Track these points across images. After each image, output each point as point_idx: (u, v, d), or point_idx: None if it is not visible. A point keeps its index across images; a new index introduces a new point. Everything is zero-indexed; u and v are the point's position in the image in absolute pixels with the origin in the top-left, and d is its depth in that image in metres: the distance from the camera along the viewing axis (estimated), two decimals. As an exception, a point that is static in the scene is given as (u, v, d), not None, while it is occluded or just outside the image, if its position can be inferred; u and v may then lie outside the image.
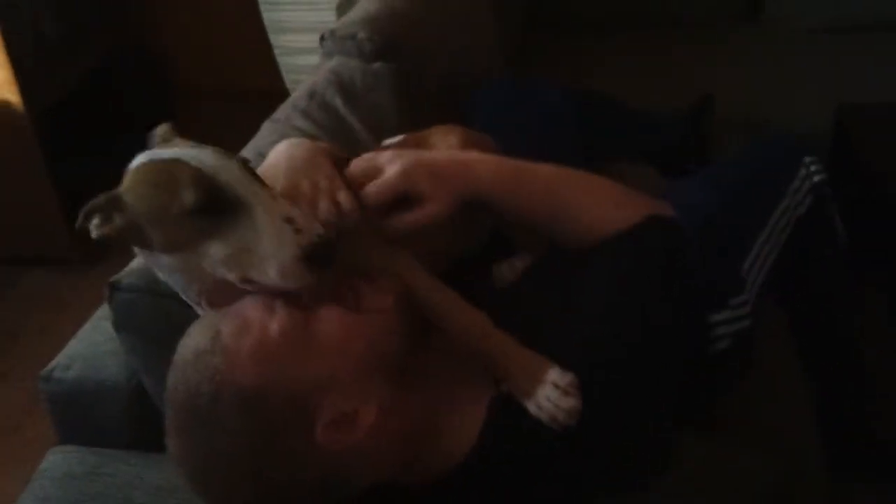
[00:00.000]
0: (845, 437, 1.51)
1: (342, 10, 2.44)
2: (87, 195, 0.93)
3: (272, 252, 0.88)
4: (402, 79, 1.77)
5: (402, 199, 1.07)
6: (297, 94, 1.74)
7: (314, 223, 0.91)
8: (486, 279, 1.25)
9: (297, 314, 0.94)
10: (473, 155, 1.17)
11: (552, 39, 2.64)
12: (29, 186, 2.78)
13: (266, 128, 1.63)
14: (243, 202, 0.89)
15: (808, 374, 1.45)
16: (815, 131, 2.11)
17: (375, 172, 1.08)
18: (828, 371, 1.49)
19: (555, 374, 0.96)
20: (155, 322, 1.20)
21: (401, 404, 0.97)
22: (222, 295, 0.96)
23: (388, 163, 1.08)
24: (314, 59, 1.96)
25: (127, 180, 0.93)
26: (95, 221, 0.92)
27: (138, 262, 1.24)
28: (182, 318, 1.00)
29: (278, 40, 2.91)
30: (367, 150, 1.26)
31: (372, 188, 1.07)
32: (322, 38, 1.87)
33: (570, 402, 0.95)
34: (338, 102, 1.68)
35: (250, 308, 0.93)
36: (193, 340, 0.94)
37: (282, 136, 1.39)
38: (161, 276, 0.99)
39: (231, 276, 0.92)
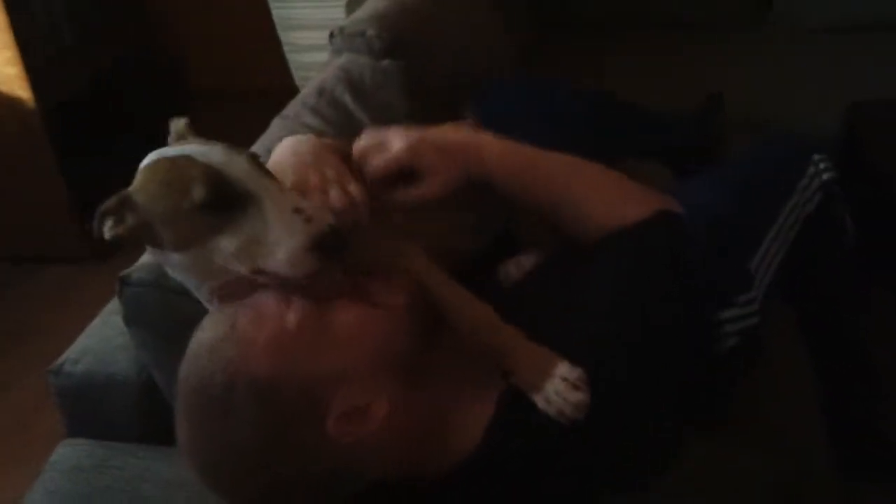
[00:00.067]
0: (855, 437, 1.51)
1: (351, 7, 2.44)
2: (96, 193, 0.93)
3: (282, 242, 0.89)
4: (410, 76, 1.77)
5: (407, 174, 1.09)
6: (307, 90, 1.74)
7: (325, 213, 0.91)
8: (493, 278, 1.25)
9: (313, 307, 0.94)
10: (483, 136, 1.18)
11: (557, 39, 2.64)
12: (39, 184, 2.79)
13: (276, 124, 1.63)
14: (253, 195, 0.89)
15: (817, 373, 1.45)
16: (823, 131, 2.10)
17: (382, 147, 1.09)
18: (837, 371, 1.48)
19: (564, 369, 0.96)
20: (165, 316, 1.21)
21: (411, 402, 0.98)
22: (234, 292, 0.97)
23: (396, 138, 1.09)
24: (323, 56, 1.96)
25: (138, 179, 0.93)
26: (109, 223, 0.92)
27: (148, 257, 1.25)
28: (192, 312, 1.01)
29: (288, 37, 2.91)
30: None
31: (378, 160, 1.08)
32: (331, 35, 1.87)
33: (578, 397, 0.95)
34: (347, 99, 1.68)
35: (267, 300, 0.94)
36: (208, 331, 0.95)
37: (291, 133, 1.40)
38: (173, 274, 1.00)
39: (242, 269, 0.92)
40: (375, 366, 0.95)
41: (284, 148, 1.13)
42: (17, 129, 2.71)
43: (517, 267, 1.26)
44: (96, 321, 1.43)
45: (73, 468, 1.20)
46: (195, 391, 0.93)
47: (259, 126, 1.62)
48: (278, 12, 2.88)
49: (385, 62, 1.77)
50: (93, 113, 3.24)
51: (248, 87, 3.44)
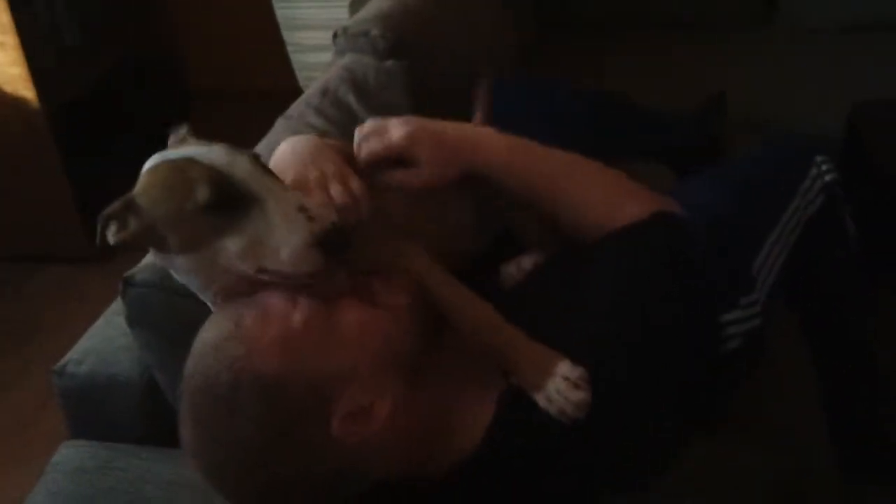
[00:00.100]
0: (858, 438, 1.50)
1: (355, 7, 2.45)
2: (100, 193, 0.93)
3: (286, 240, 0.89)
4: (414, 76, 1.77)
5: (402, 161, 1.10)
6: (311, 91, 1.74)
7: (328, 211, 0.92)
8: (493, 278, 1.26)
9: (319, 307, 0.94)
10: (485, 131, 1.18)
11: (557, 39, 2.64)
12: (43, 184, 2.80)
13: (279, 125, 1.63)
14: (256, 195, 0.89)
15: (820, 374, 1.44)
16: (825, 132, 2.10)
17: (381, 132, 1.11)
18: (840, 373, 1.48)
19: (565, 368, 0.96)
20: (168, 317, 1.21)
21: (414, 401, 0.98)
22: (239, 292, 0.97)
23: (397, 125, 1.11)
24: (327, 57, 1.97)
25: (140, 183, 0.93)
26: (112, 228, 0.92)
27: (152, 257, 1.25)
28: (196, 313, 1.01)
29: (292, 37, 2.91)
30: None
31: (372, 142, 1.09)
32: (335, 36, 1.87)
33: (579, 395, 0.95)
34: (351, 99, 1.68)
35: (273, 299, 0.94)
36: (213, 330, 0.95)
37: (295, 134, 1.40)
38: (177, 276, 1.00)
39: (247, 269, 0.92)
40: (379, 365, 0.95)
41: (284, 148, 1.14)
42: (22, 130, 2.71)
43: (518, 268, 1.26)
44: (99, 322, 1.44)
45: (75, 469, 1.21)
46: (200, 390, 0.93)
47: (261, 126, 1.62)
48: (282, 12, 2.89)
49: (389, 62, 1.77)
50: (96, 113, 3.25)
51: (251, 87, 3.45)
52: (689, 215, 1.19)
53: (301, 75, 2.95)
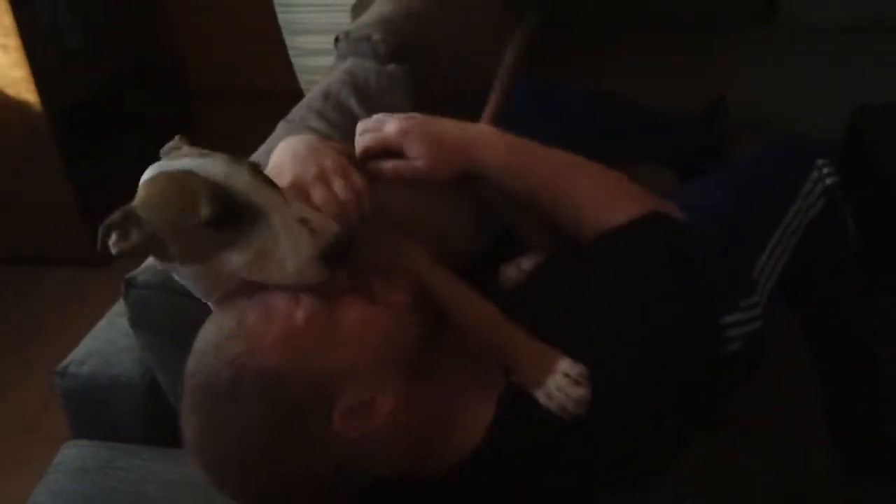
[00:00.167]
0: (857, 438, 1.51)
1: (357, 11, 2.45)
2: (102, 195, 0.93)
3: (289, 254, 0.90)
4: (416, 80, 1.77)
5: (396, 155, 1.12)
6: (312, 94, 1.75)
7: (329, 222, 0.92)
8: (493, 279, 1.26)
9: (321, 304, 0.95)
10: (485, 130, 1.19)
11: (557, 39, 2.64)
12: (45, 186, 2.80)
13: (281, 128, 1.64)
14: (258, 209, 0.90)
15: (821, 376, 1.45)
16: (826, 133, 2.10)
17: (379, 127, 1.14)
18: (841, 374, 1.48)
19: (565, 365, 0.97)
20: (170, 319, 1.21)
21: (414, 399, 0.98)
22: (241, 295, 0.97)
23: (394, 120, 1.13)
24: (329, 61, 1.97)
25: (140, 194, 0.93)
26: (113, 238, 0.93)
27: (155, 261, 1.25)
28: (197, 314, 1.01)
29: (293, 42, 2.92)
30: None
31: (368, 135, 1.12)
32: (337, 40, 1.88)
33: (580, 392, 0.95)
34: (352, 103, 1.68)
35: (276, 297, 0.94)
36: (215, 329, 0.95)
37: (296, 137, 1.41)
38: (179, 280, 1.01)
39: (251, 278, 0.93)
40: (380, 362, 0.96)
41: (282, 148, 1.15)
42: (24, 133, 2.72)
43: (518, 269, 1.26)
44: (101, 323, 1.44)
45: (77, 469, 1.21)
46: (201, 388, 0.93)
47: (263, 127, 1.62)
48: (284, 16, 2.89)
49: (390, 66, 1.78)
50: (98, 115, 3.25)
51: (252, 88, 3.45)
52: (691, 217, 1.19)
53: (303, 79, 2.95)
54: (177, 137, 1.00)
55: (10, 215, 2.87)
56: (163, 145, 0.99)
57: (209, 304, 1.01)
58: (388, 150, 1.14)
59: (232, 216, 0.89)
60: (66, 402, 1.39)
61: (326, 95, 1.70)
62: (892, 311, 1.81)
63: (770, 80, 2.33)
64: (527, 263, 1.26)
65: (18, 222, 2.89)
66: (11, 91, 2.65)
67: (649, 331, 1.05)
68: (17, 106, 2.67)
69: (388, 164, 1.13)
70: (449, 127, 1.17)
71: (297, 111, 1.68)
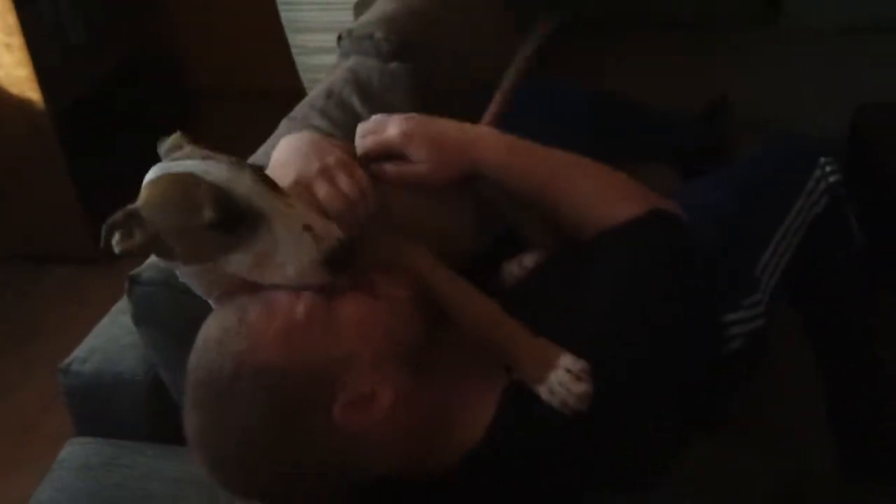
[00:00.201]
0: (859, 438, 1.51)
1: (359, 9, 2.45)
2: (105, 193, 0.94)
3: (292, 259, 0.91)
4: (418, 79, 1.77)
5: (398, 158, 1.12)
6: (315, 93, 1.75)
7: (333, 227, 0.92)
8: (494, 277, 1.26)
9: (321, 299, 0.95)
10: (485, 131, 1.19)
11: (558, 39, 2.63)
12: (49, 184, 2.80)
13: (283, 126, 1.64)
14: (261, 213, 0.90)
15: (823, 374, 1.45)
16: (828, 133, 2.10)
17: (380, 129, 1.13)
18: (842, 373, 1.49)
19: (567, 360, 0.97)
20: (174, 315, 1.21)
21: (414, 397, 0.98)
22: (242, 293, 0.98)
23: (395, 123, 1.13)
24: (331, 59, 1.97)
25: (143, 195, 0.93)
26: (116, 237, 0.93)
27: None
28: (201, 311, 1.01)
29: (296, 40, 2.92)
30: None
31: (369, 138, 1.11)
32: (339, 38, 1.88)
33: (581, 388, 0.95)
34: (355, 101, 1.69)
35: (277, 292, 0.95)
36: (217, 325, 0.96)
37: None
38: (181, 278, 1.01)
39: (253, 279, 0.94)
40: (380, 355, 0.96)
41: (283, 146, 1.15)
42: (27, 131, 2.72)
43: (520, 265, 1.26)
44: (104, 321, 1.44)
45: (81, 466, 1.21)
46: (203, 384, 0.94)
47: (265, 126, 1.62)
48: (286, 15, 2.89)
49: (393, 65, 1.78)
50: (101, 113, 3.25)
51: (255, 87, 3.45)
52: (691, 216, 1.19)
53: (305, 77, 2.95)
54: (178, 134, 1.00)
55: (13, 213, 2.87)
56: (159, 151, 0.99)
57: (210, 302, 1.01)
58: (389, 154, 1.14)
59: (234, 220, 0.89)
60: (69, 399, 1.40)
61: (329, 94, 1.70)
62: (893, 311, 1.81)
63: (770, 81, 2.33)
64: (529, 261, 1.26)
65: (20, 220, 2.89)
66: (15, 89, 2.65)
67: (649, 330, 1.05)
68: (21, 104, 2.67)
69: (392, 168, 1.13)
70: (449, 128, 1.17)
71: (300, 109, 1.68)
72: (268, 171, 0.97)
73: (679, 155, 1.87)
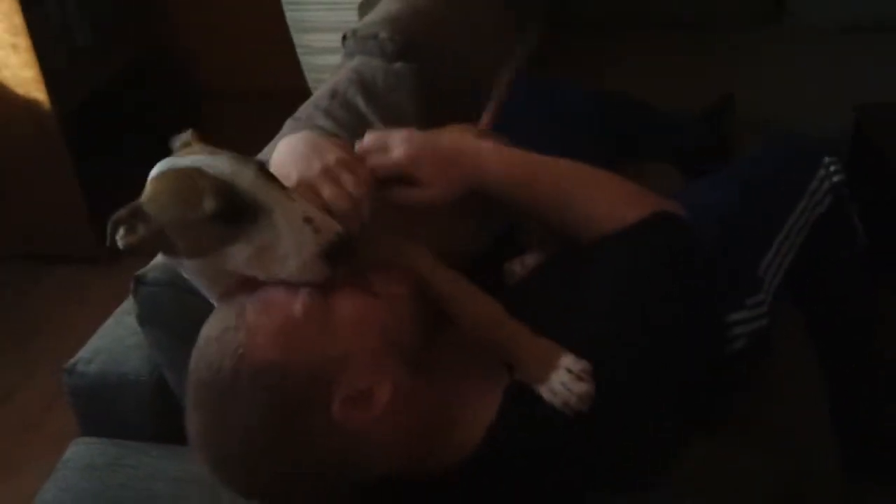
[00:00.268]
0: (861, 438, 1.51)
1: (364, 9, 2.45)
2: (111, 193, 0.94)
3: (293, 252, 0.91)
4: (423, 78, 1.78)
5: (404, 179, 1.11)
6: (319, 93, 1.75)
7: (332, 222, 0.93)
8: (494, 277, 1.26)
9: (319, 296, 0.95)
10: (484, 145, 1.19)
11: (558, 39, 2.64)
12: (55, 185, 2.81)
13: (288, 126, 1.64)
14: (262, 206, 0.91)
15: (825, 374, 1.45)
16: (831, 132, 2.10)
17: (384, 149, 1.12)
18: (844, 372, 1.49)
19: (569, 360, 0.97)
20: (179, 316, 1.21)
21: (414, 396, 0.99)
22: (242, 290, 0.98)
23: (398, 143, 1.11)
24: (336, 59, 1.97)
25: (148, 190, 0.94)
26: (120, 233, 0.94)
27: (161, 257, 1.26)
28: (206, 312, 1.02)
29: (301, 40, 2.93)
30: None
31: (375, 161, 1.10)
32: (344, 38, 1.88)
33: (583, 387, 0.96)
34: (359, 101, 1.69)
35: (275, 290, 0.95)
36: (217, 324, 0.96)
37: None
38: (186, 275, 1.02)
39: (253, 273, 0.94)
40: (379, 351, 0.97)
41: (284, 146, 1.15)
42: (34, 132, 2.73)
43: (521, 266, 1.26)
44: (109, 321, 1.45)
45: (86, 466, 1.21)
46: (204, 383, 0.94)
47: (271, 126, 1.63)
48: (292, 15, 2.90)
49: (397, 65, 1.78)
50: (107, 115, 3.26)
51: (262, 87, 3.45)
52: (694, 216, 1.19)
53: (310, 77, 2.96)
54: (189, 132, 1.01)
55: (19, 213, 2.88)
56: (169, 151, 1.00)
57: (212, 300, 1.02)
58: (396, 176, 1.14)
59: (236, 212, 0.90)
60: (74, 400, 1.40)
61: (333, 94, 1.71)
62: (893, 312, 1.81)
63: (771, 80, 2.33)
64: (531, 260, 1.26)
65: (26, 220, 2.90)
66: (22, 91, 2.66)
67: (650, 331, 1.05)
68: (27, 105, 2.68)
69: (402, 195, 1.12)
70: (449, 144, 1.17)
71: (305, 109, 1.69)
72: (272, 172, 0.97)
73: (681, 155, 1.87)
